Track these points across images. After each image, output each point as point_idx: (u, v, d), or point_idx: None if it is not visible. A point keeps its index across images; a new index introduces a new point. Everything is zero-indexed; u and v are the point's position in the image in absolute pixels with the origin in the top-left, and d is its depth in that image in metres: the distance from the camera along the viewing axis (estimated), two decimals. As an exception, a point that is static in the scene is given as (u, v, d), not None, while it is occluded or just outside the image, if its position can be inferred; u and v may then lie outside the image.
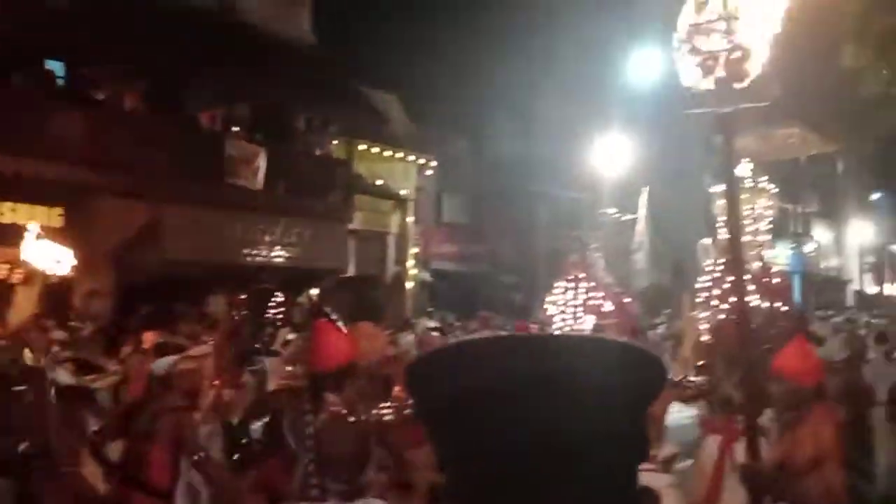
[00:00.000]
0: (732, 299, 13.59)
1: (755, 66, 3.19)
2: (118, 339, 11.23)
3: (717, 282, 16.23)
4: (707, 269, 15.73)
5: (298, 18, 21.78)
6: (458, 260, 29.20)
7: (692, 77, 3.22)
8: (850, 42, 13.51)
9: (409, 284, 25.04)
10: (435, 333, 13.96)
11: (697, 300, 15.21)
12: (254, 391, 7.60)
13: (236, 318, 11.22)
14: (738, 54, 3.13)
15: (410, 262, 25.18)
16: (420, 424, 1.20)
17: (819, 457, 4.58)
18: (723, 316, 13.14)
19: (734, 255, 3.53)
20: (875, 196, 39.50)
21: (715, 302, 14.82)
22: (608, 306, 14.17)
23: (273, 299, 17.83)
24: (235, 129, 18.23)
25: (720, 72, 3.15)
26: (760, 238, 19.49)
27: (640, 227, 27.14)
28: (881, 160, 22.76)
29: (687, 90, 3.23)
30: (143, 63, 16.96)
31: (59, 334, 9.59)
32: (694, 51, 3.19)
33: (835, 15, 13.48)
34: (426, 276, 26.86)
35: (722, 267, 16.18)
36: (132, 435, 5.87)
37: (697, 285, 16.32)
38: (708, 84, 3.18)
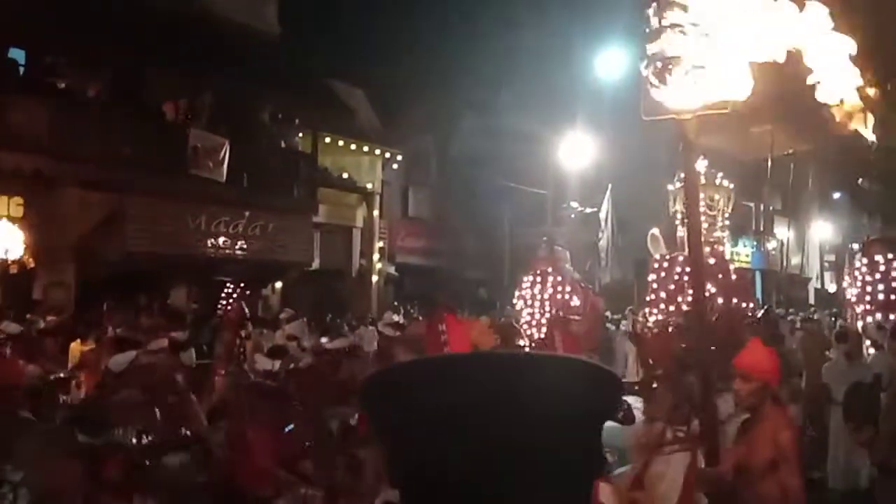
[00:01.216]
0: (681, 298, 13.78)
1: (716, 74, 3.22)
2: (80, 332, 11.11)
3: (663, 280, 16.32)
4: (655, 265, 15.77)
5: (264, 11, 21.65)
6: (424, 254, 29.16)
7: (653, 84, 3.25)
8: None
9: (374, 278, 24.99)
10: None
11: (649, 297, 15.33)
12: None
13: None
14: (697, 62, 3.16)
15: (376, 256, 25.13)
16: (377, 440, 1.20)
17: (776, 459, 4.62)
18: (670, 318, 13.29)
19: (694, 260, 3.56)
20: (836, 195, 40.06)
21: (662, 298, 14.96)
22: (575, 300, 14.29)
23: (226, 293, 17.78)
24: (199, 120, 18.06)
25: (680, 79, 3.18)
26: (718, 234, 19.67)
27: (604, 223, 27.31)
28: (841, 160, 23.04)
29: (648, 97, 3.26)
30: (105, 53, 16.77)
31: (12, 328, 9.34)
32: (654, 58, 3.21)
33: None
34: (391, 270, 26.83)
35: (667, 263, 16.31)
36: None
37: (650, 279, 16.37)
38: (668, 91, 3.21)
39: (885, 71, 13.44)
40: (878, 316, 12.11)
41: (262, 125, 19.96)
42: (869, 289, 12.35)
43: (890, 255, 12.41)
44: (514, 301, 15.22)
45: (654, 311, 15.52)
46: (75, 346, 10.45)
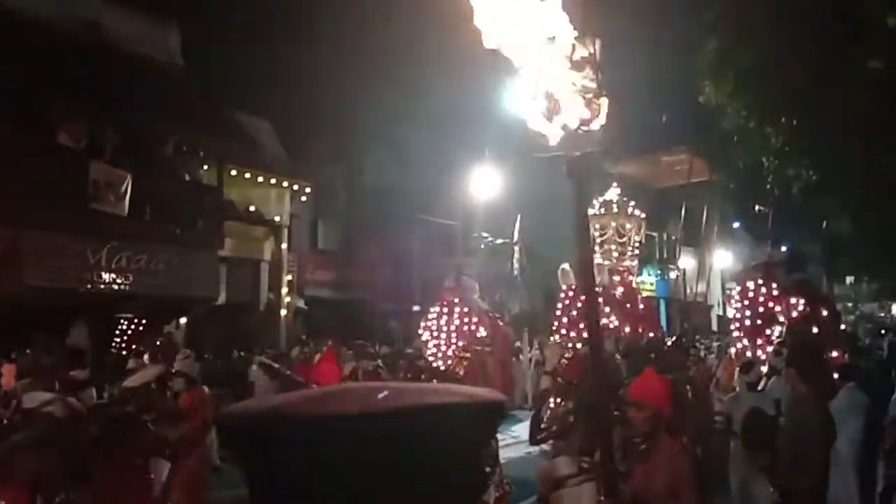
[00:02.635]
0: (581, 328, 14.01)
1: (600, 110, 3.24)
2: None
3: (567, 307, 16.64)
4: (562, 294, 16.10)
5: (167, 42, 21.36)
6: (334, 287, 29.00)
7: (538, 120, 3.26)
8: (709, 79, 14.06)
9: (283, 312, 24.69)
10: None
11: (554, 326, 15.58)
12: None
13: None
14: (582, 98, 3.18)
15: (284, 290, 24.85)
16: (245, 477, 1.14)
17: (674, 485, 4.67)
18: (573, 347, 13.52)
19: (586, 292, 3.57)
20: (735, 224, 41.42)
21: (563, 331, 15.25)
22: (482, 331, 14.34)
23: (121, 329, 17.37)
24: (100, 153, 17.63)
25: (565, 116, 3.19)
26: (627, 263, 20.07)
27: (514, 253, 27.59)
28: (740, 191, 23.77)
29: (536, 133, 3.26)
30: (2, 82, 16.27)
31: None
32: (538, 94, 3.23)
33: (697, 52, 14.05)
34: (301, 303, 26.56)
35: (572, 293, 16.61)
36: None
37: (557, 308, 16.65)
38: (554, 127, 3.22)
39: (782, 109, 13.98)
40: (746, 342, 12.50)
41: (166, 158, 19.58)
42: (738, 315, 12.74)
43: (761, 281, 12.83)
44: (420, 332, 15.20)
45: (558, 338, 15.80)
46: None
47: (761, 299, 12.54)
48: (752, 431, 6.00)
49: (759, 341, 12.36)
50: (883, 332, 24.43)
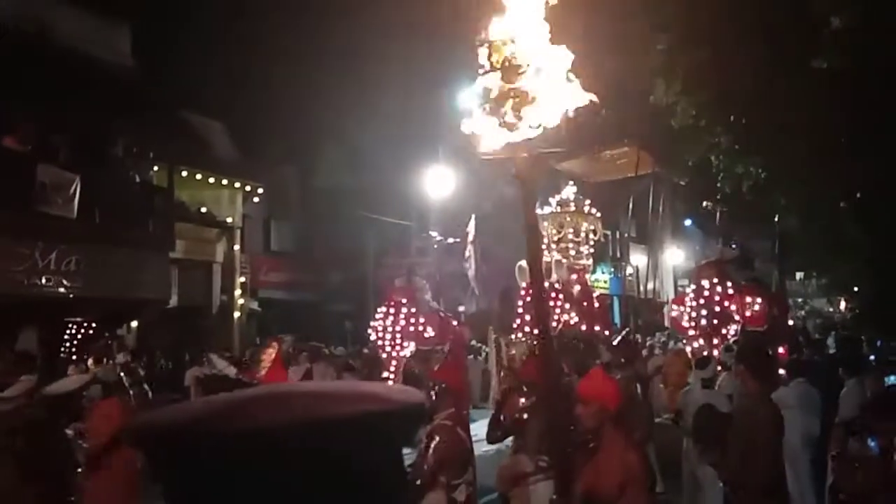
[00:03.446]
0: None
1: (548, 111, 3.26)
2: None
3: (528, 305, 16.68)
4: (522, 293, 16.10)
5: (117, 42, 21.08)
6: (288, 288, 28.84)
7: (484, 123, 3.27)
8: (659, 77, 14.18)
9: (236, 314, 24.49)
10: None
11: (516, 324, 15.56)
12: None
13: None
14: (528, 101, 3.19)
15: (237, 292, 24.64)
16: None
17: (625, 482, 4.71)
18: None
19: (535, 294, 3.58)
20: (687, 222, 41.92)
21: (527, 328, 15.21)
22: (430, 332, 14.20)
23: (71, 333, 17.12)
24: (48, 154, 17.34)
25: (511, 119, 3.20)
26: (584, 262, 20.17)
27: (469, 252, 27.62)
28: (691, 188, 24.03)
29: (482, 135, 3.27)
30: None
31: None
32: (488, 95, 3.24)
33: (648, 49, 14.15)
34: (254, 305, 26.37)
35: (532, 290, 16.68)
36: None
37: (518, 306, 16.66)
38: (502, 131, 3.23)
39: (731, 108, 14.16)
40: (702, 341, 12.40)
41: (116, 159, 19.31)
42: (694, 314, 12.60)
43: (716, 280, 12.79)
44: (368, 332, 15.10)
45: (521, 336, 15.81)
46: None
47: (717, 298, 12.52)
48: (703, 427, 6.07)
49: (715, 340, 12.37)
50: (832, 328, 24.89)
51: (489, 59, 3.20)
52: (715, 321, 12.37)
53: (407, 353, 13.80)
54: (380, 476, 1.07)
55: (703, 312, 12.40)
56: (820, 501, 8.81)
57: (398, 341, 13.93)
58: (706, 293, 12.53)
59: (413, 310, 14.16)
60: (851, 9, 11.96)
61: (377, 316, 14.46)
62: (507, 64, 3.17)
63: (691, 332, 12.73)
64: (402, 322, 14.01)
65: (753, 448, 5.89)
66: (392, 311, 14.18)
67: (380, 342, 14.22)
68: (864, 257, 18.17)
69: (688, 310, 12.75)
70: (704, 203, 24.70)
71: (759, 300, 13.19)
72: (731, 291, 12.83)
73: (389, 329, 14.06)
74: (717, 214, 27.91)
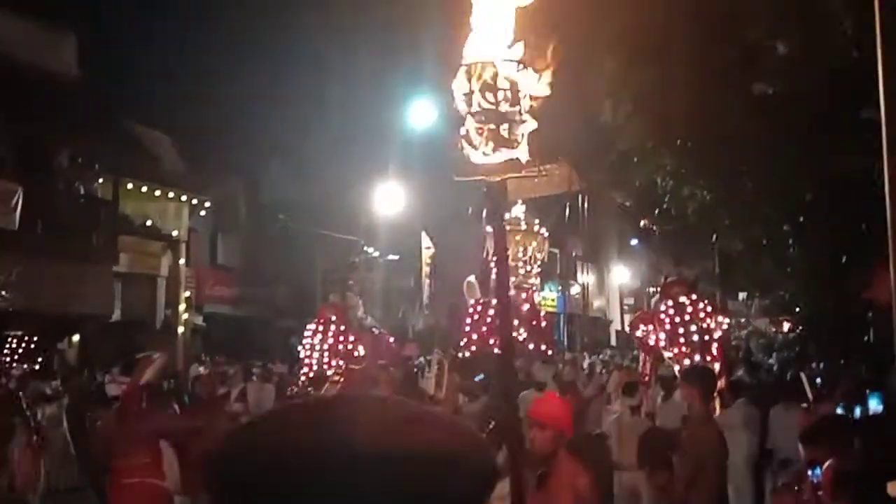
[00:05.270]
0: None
1: (520, 136, 3.29)
2: None
3: (476, 323, 16.70)
4: (470, 310, 16.09)
5: (62, 52, 20.75)
6: (234, 303, 28.54)
7: (465, 145, 3.28)
8: (608, 98, 14.31)
9: (180, 329, 24.14)
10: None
11: (463, 341, 15.55)
12: None
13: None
14: (503, 125, 3.22)
15: (182, 306, 24.30)
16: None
17: (575, 505, 4.72)
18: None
19: (501, 310, 3.59)
20: (633, 241, 42.35)
21: (475, 340, 15.16)
22: (360, 350, 13.97)
23: (11, 347, 16.74)
24: (-6, 165, 17.04)
25: (486, 142, 3.23)
26: (532, 281, 20.28)
27: (419, 269, 27.64)
28: (637, 208, 24.25)
29: (459, 157, 3.29)
30: None
31: None
32: (469, 118, 3.25)
33: (597, 71, 14.25)
34: (199, 320, 26.04)
35: (480, 307, 16.68)
36: None
37: (466, 323, 16.67)
38: (476, 154, 3.25)
39: (675, 130, 14.33)
40: (697, 357, 11.94)
41: (60, 170, 19.00)
42: (681, 330, 12.03)
43: (694, 297, 12.46)
44: (298, 350, 14.79)
45: (468, 353, 15.77)
46: None
47: (702, 315, 12.17)
48: (650, 450, 6.13)
49: (697, 357, 11.93)
50: (773, 349, 25.25)
51: (468, 81, 3.22)
52: (706, 338, 11.97)
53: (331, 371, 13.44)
54: None
55: (693, 328, 11.89)
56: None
57: (325, 359, 13.58)
58: (689, 310, 12.05)
59: (342, 327, 13.87)
60: (787, 36, 12.18)
61: (305, 334, 14.10)
62: (488, 85, 3.19)
63: (669, 354, 12.14)
64: (331, 340, 13.69)
65: (703, 470, 5.96)
66: (321, 328, 13.84)
67: (306, 360, 13.85)
68: (804, 279, 18.46)
69: (665, 328, 12.14)
70: (642, 223, 24.90)
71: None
72: (709, 308, 12.52)
73: (318, 347, 13.72)
74: (656, 235, 28.16)
